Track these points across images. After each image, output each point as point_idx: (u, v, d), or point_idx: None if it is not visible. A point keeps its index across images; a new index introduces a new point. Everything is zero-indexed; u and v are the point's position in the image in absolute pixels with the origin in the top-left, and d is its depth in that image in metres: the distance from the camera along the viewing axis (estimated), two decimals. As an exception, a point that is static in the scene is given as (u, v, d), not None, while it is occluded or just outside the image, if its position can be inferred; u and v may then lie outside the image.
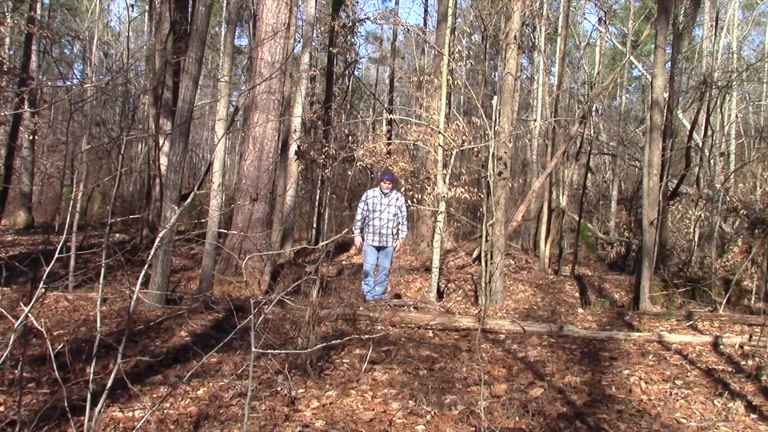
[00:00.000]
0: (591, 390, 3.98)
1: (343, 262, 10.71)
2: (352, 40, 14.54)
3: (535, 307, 7.61)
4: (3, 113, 10.48)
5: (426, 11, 19.79)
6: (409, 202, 8.11)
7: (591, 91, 12.99)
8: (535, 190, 10.69)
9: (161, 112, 10.67)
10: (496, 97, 7.75)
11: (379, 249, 7.28)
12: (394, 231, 7.34)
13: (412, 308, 6.50)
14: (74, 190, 5.61)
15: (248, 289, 6.76)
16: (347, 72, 15.98)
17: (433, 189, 7.92)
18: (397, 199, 7.34)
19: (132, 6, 12.22)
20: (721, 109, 13.73)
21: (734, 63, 15.95)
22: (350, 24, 13.60)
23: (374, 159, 10.16)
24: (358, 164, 10.96)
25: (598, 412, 3.59)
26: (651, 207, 7.41)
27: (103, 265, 2.68)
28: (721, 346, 5.17)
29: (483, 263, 7.23)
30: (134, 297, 2.55)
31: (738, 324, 6.18)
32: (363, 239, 7.29)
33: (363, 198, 7.38)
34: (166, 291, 5.34)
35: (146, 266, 2.70)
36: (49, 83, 17.19)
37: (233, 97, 16.09)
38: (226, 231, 7.83)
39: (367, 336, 4.28)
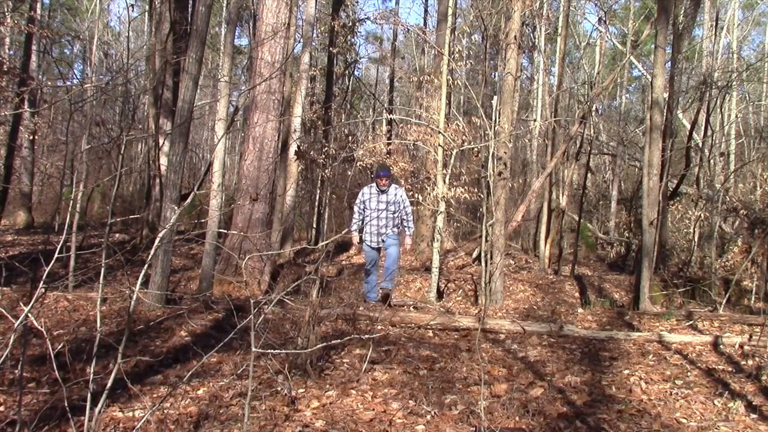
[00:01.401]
0: (591, 390, 3.98)
1: (343, 262, 10.71)
2: (352, 40, 14.55)
3: (535, 307, 7.60)
4: (3, 113, 10.48)
5: (426, 11, 19.84)
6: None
7: (591, 91, 13.00)
8: (535, 190, 10.69)
9: (161, 112, 10.67)
10: (496, 97, 7.75)
11: (378, 250, 6.98)
12: (396, 230, 6.94)
13: (412, 308, 6.51)
14: (74, 190, 5.61)
15: (248, 289, 6.76)
16: (347, 72, 15.98)
17: (433, 189, 7.92)
18: (396, 194, 6.88)
19: (132, 6, 12.23)
20: (721, 109, 13.73)
21: (734, 63, 15.95)
22: (350, 24, 13.60)
23: (374, 159, 10.17)
24: (358, 164, 10.95)
25: (598, 412, 3.59)
26: (651, 207, 7.41)
27: (103, 265, 2.68)
28: (721, 346, 5.18)
29: (483, 263, 7.23)
30: (134, 297, 2.55)
31: (738, 324, 6.19)
32: (360, 239, 7.00)
33: (359, 196, 7.00)
34: (166, 291, 5.34)
35: (146, 266, 2.71)
36: (49, 83, 17.18)
37: (233, 97, 16.09)
38: (226, 231, 7.82)
39: (367, 336, 4.28)
